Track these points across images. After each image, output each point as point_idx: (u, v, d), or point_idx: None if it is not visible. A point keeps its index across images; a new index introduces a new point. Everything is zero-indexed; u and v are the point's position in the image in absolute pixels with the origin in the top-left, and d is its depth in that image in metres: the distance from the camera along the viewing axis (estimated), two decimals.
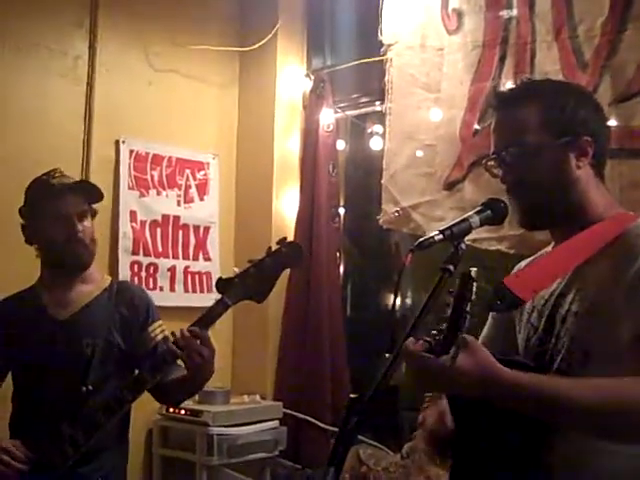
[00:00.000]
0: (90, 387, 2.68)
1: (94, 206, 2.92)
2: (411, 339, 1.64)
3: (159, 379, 2.65)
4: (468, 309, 1.54)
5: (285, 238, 2.71)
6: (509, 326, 2.00)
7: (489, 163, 1.96)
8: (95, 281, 2.93)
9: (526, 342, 1.92)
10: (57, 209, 2.78)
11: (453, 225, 1.77)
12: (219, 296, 2.63)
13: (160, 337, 2.89)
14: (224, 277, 2.67)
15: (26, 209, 2.87)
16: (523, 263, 2.13)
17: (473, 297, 1.55)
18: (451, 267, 1.71)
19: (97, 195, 2.93)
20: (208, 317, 2.63)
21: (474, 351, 1.60)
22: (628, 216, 1.88)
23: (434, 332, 1.59)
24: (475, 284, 1.56)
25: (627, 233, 1.79)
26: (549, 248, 2.02)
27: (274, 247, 2.66)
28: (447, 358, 1.55)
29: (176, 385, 2.76)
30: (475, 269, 1.58)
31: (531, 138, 1.86)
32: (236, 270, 2.65)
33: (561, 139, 1.86)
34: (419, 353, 1.61)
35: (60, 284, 2.88)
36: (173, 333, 2.64)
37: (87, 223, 2.83)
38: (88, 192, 2.91)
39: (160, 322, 2.95)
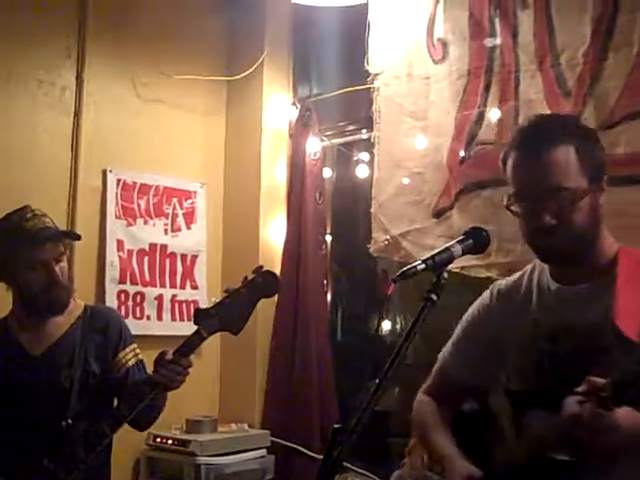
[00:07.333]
0: (70, 421, 2.65)
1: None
2: None
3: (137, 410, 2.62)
4: None
5: (261, 267, 2.70)
6: None
7: (511, 205, 2.00)
8: (69, 310, 2.87)
9: None
10: (34, 256, 2.71)
11: (435, 254, 1.80)
12: None
13: (132, 362, 2.87)
14: (202, 308, 2.68)
15: None
16: (503, 282, 2.20)
17: None
18: (434, 296, 1.72)
19: (73, 238, 2.90)
20: (185, 348, 2.63)
21: None
22: (634, 252, 2.00)
23: None
24: None
25: None
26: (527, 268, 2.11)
27: (250, 276, 2.66)
28: None
29: (146, 410, 2.71)
30: None
31: (573, 183, 1.91)
32: (215, 300, 2.66)
33: (593, 184, 1.94)
34: None
35: (35, 319, 2.83)
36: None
37: (63, 263, 2.78)
38: (65, 236, 2.87)
39: (133, 346, 2.92)
